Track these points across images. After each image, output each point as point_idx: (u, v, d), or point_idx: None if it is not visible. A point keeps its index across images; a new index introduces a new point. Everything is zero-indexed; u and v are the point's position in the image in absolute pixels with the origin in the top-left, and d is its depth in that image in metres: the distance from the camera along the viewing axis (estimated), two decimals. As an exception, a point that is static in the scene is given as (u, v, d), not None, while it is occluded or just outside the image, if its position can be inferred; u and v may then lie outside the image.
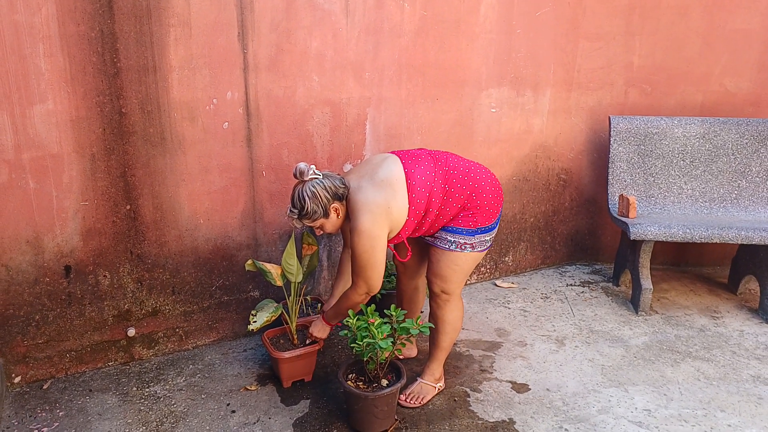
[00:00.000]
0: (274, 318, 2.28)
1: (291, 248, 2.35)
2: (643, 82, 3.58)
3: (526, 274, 3.72)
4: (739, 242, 2.95)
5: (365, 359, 2.06)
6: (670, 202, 3.41)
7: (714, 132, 3.39)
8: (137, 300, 2.56)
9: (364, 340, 2.00)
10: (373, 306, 2.20)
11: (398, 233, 2.16)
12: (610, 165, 3.45)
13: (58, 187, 2.29)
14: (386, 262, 3.07)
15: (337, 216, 2.15)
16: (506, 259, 3.64)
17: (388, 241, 2.19)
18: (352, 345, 2.03)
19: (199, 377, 2.52)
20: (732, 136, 3.38)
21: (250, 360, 2.66)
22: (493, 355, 2.75)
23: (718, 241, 2.98)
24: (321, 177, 2.10)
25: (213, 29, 2.42)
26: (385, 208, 2.06)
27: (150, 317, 2.60)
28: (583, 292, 3.47)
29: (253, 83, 2.55)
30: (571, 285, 3.57)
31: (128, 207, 2.44)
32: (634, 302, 3.24)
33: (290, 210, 2.12)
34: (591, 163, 3.70)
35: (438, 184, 2.13)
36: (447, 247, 2.19)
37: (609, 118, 3.46)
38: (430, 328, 2.20)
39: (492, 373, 2.59)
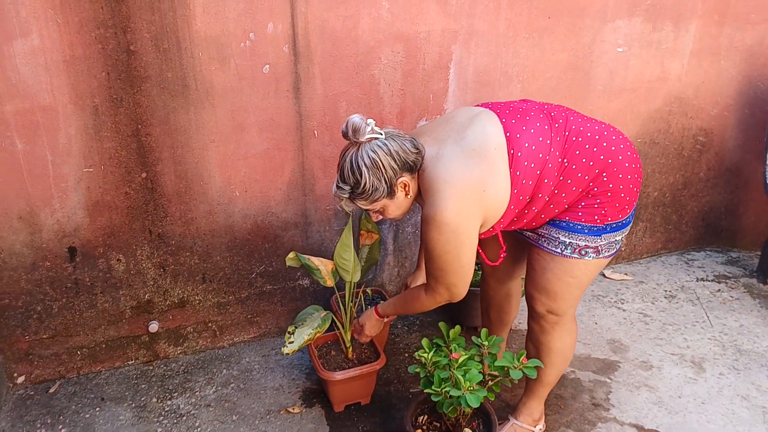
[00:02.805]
0: (319, 334, 1.71)
1: (347, 238, 1.76)
2: (830, 12, 2.62)
3: (642, 261, 2.97)
4: None
5: (441, 409, 1.46)
6: None
7: None
8: (160, 289, 2.07)
9: (444, 388, 1.40)
10: (457, 329, 1.59)
11: (491, 225, 1.51)
12: (773, 126, 2.58)
13: (53, 149, 1.79)
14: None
15: (406, 195, 1.50)
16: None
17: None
18: (427, 391, 1.44)
19: (232, 388, 2.03)
20: None
21: (296, 367, 2.15)
22: (609, 380, 2.09)
23: None
24: (384, 137, 1.44)
25: (249, -65, 1.77)
26: (478, 191, 1.40)
27: (176, 309, 2.12)
28: (719, 290, 2.70)
29: (302, 11, 1.90)
30: (702, 279, 2.79)
31: (144, 175, 1.91)
32: (795, 311, 2.45)
33: (337, 186, 1.47)
34: (740, 122, 2.83)
35: (554, 157, 1.44)
36: (560, 251, 1.52)
37: (779, 61, 2.55)
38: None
39: (609, 410, 1.95)
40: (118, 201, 1.91)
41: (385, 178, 1.43)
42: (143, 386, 2.04)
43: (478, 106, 1.58)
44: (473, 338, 1.60)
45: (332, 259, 1.83)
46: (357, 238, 2.01)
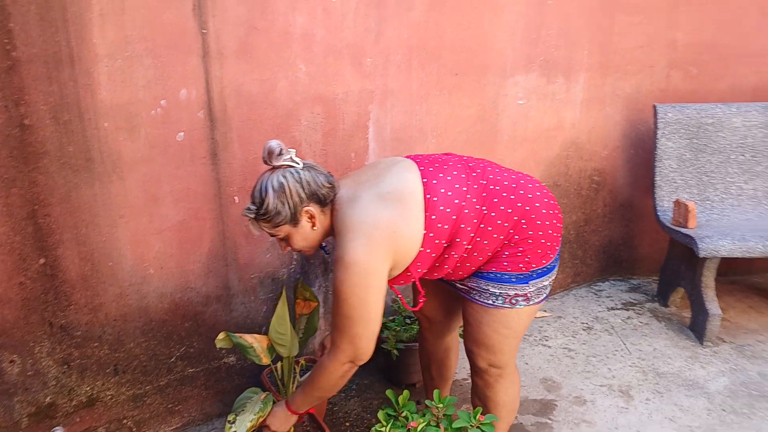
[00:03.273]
0: (262, 419, 1.57)
1: (282, 310, 1.66)
2: (689, 64, 2.99)
3: (556, 296, 3.11)
4: (832, 257, 2.39)
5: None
6: (728, 205, 2.84)
7: (779, 120, 2.82)
8: (64, 388, 1.82)
9: (409, 462, 1.33)
10: (406, 393, 1.53)
11: (407, 270, 1.49)
12: (656, 164, 2.85)
13: (-72, 240, 1.53)
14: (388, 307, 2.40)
15: (312, 225, 1.50)
16: (534, 280, 3.01)
17: (391, 281, 1.52)
18: (389, 469, 1.36)
19: (159, 490, 1.81)
20: (800, 124, 2.81)
21: (230, 454, 1.96)
22: (549, 421, 2.12)
23: (805, 257, 2.41)
24: (300, 166, 1.47)
25: (156, 0, 1.68)
26: (388, 232, 1.40)
27: (84, 409, 1.87)
28: (629, 317, 2.88)
29: (216, 76, 1.83)
30: (612, 309, 2.97)
31: (42, 261, 1.69)
32: (696, 330, 2.66)
33: (248, 206, 1.49)
34: (627, 162, 3.11)
35: (471, 203, 1.47)
36: (491, 302, 1.53)
37: (654, 107, 2.85)
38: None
39: (555, 453, 1.97)
40: (11, 293, 1.66)
41: (289, 204, 1.44)
42: (50, 506, 1.75)
43: (401, 156, 1.61)
44: (426, 402, 1.55)
45: (266, 334, 1.71)
46: (292, 308, 1.91)
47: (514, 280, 1.50)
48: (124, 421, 1.94)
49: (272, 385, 1.89)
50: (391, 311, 2.42)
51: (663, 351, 2.57)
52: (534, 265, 1.50)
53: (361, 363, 1.48)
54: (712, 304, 2.59)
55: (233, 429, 1.51)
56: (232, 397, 2.08)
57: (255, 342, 1.67)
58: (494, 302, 1.53)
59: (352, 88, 2.10)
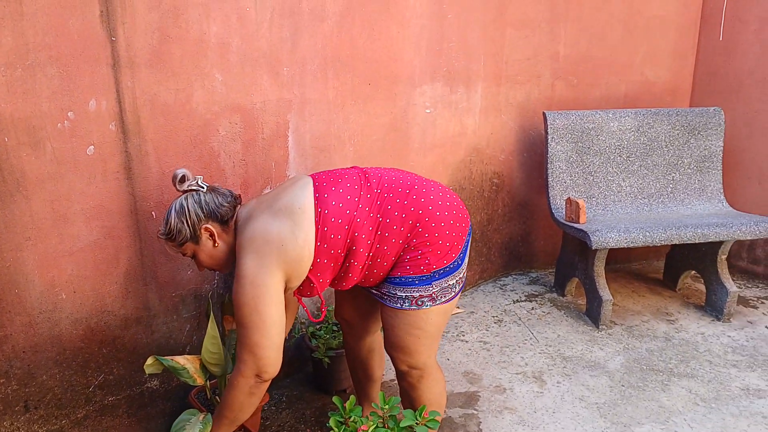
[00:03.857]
0: (206, 439, 1.52)
1: (213, 329, 1.62)
2: (569, 74, 3.31)
3: (467, 293, 3.28)
4: (697, 241, 2.76)
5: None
6: (611, 201, 3.18)
7: (647, 124, 3.21)
8: (-35, 434, 1.63)
9: (364, 463, 1.35)
10: (352, 399, 1.55)
11: (308, 281, 1.55)
12: (549, 165, 3.11)
13: None
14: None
15: (214, 243, 1.60)
16: (446, 280, 3.15)
17: (297, 292, 1.60)
18: (344, 472, 1.37)
19: None
20: (664, 127, 3.22)
21: (160, 484, 1.86)
22: (475, 412, 2.24)
23: (677, 242, 2.77)
24: (204, 190, 1.60)
25: (60, 6, 1.57)
26: (276, 245, 1.47)
27: (-10, 454, 1.68)
28: (533, 308, 3.11)
29: (128, 86, 1.74)
30: (517, 301, 3.19)
31: (-66, 293, 1.50)
32: (591, 315, 2.94)
33: (159, 229, 1.63)
34: (521, 164, 3.36)
35: (363, 212, 1.54)
36: (399, 305, 1.60)
37: (544, 114, 3.12)
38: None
39: (484, 440, 2.08)
40: None
41: (188, 223, 1.56)
42: None
43: (306, 174, 1.71)
44: (373, 404, 1.58)
45: (197, 354, 1.65)
46: (220, 325, 1.85)
47: (417, 282, 1.56)
48: (37, 462, 1.77)
49: (203, 405, 1.83)
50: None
51: (566, 337, 2.81)
52: (435, 266, 1.56)
53: (268, 377, 1.49)
54: (604, 291, 2.87)
55: None
56: (158, 423, 1.99)
57: (187, 363, 1.61)
58: (402, 305, 1.59)
59: (270, 98, 2.09)
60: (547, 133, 3.11)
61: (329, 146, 2.33)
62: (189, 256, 1.63)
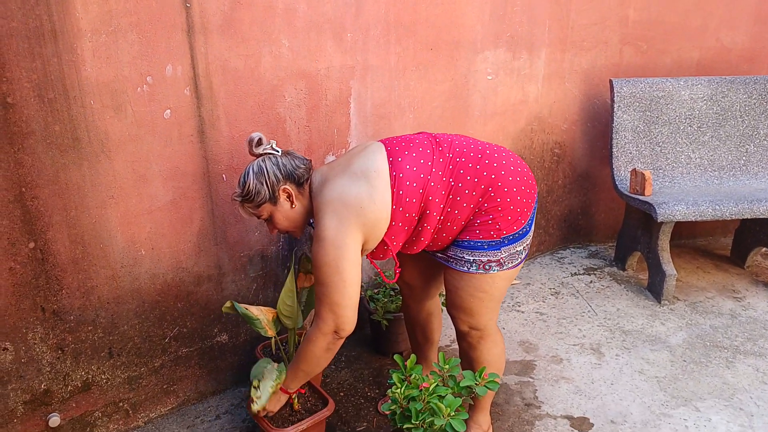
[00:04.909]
0: (280, 385, 1.61)
1: (291, 283, 1.69)
2: (639, 39, 3.17)
3: (523, 265, 3.26)
4: (771, 216, 2.63)
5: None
6: (678, 173, 3.06)
7: (722, 93, 3.05)
8: (59, 374, 1.77)
9: (424, 418, 1.40)
10: (413, 358, 1.60)
11: (383, 244, 1.58)
12: (614, 136, 3.02)
13: None
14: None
15: (291, 204, 1.62)
16: (503, 250, 3.14)
17: (370, 255, 1.62)
18: (407, 426, 1.42)
19: (162, 470, 1.81)
20: (740, 96, 3.05)
21: (228, 429, 1.98)
22: (531, 380, 2.25)
23: (748, 217, 2.65)
24: (279, 153, 1.62)
25: (140, -27, 1.64)
26: (356, 208, 1.50)
27: (80, 394, 1.83)
28: (591, 282, 3.06)
29: (202, 51, 1.80)
30: (575, 274, 3.15)
31: (32, 245, 1.63)
32: (653, 290, 2.87)
33: (235, 191, 1.65)
34: (584, 135, 3.27)
35: (437, 176, 1.55)
36: (466, 269, 1.62)
37: (611, 81, 3.01)
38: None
39: (540, 407, 2.10)
40: (0, 279, 1.61)
41: (267, 184, 1.58)
42: (51, 493, 1.72)
43: (374, 141, 1.70)
44: (433, 364, 1.63)
45: (271, 307, 1.73)
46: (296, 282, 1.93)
47: (486, 246, 1.58)
48: (120, 404, 1.92)
49: (275, 360, 1.92)
50: (375, 284, 2.48)
51: (626, 311, 2.76)
52: (505, 232, 1.58)
53: (345, 334, 1.54)
54: (668, 266, 2.79)
55: (258, 395, 1.56)
56: (226, 376, 2.11)
57: (261, 314, 1.69)
58: (469, 268, 1.62)
59: (333, 64, 2.12)
60: (613, 101, 3.01)
61: (389, 113, 2.34)
62: (264, 218, 1.64)
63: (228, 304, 1.67)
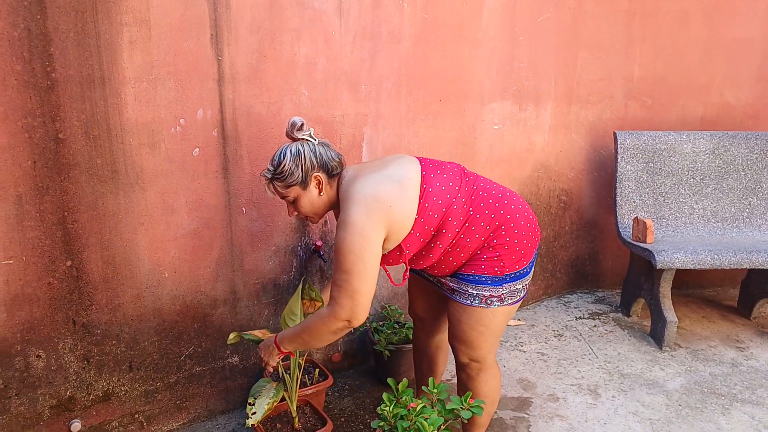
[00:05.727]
0: (276, 403, 1.75)
1: (294, 306, 1.85)
2: (644, 95, 3.33)
3: (529, 307, 3.35)
4: (770, 267, 2.70)
5: (408, 456, 1.57)
6: (682, 223, 3.15)
7: (723, 147, 3.17)
8: (83, 383, 1.95)
9: (410, 435, 1.52)
10: (405, 381, 1.72)
11: (398, 249, 1.69)
12: (617, 185, 3.15)
13: (-32, 242, 1.67)
14: (392, 308, 2.60)
15: (319, 192, 1.71)
16: (509, 292, 3.25)
17: (384, 257, 1.71)
18: (393, 442, 1.54)
19: (170, 479, 1.94)
20: (742, 150, 3.17)
21: (234, 447, 2.11)
22: (526, 416, 2.33)
23: (747, 267, 2.72)
24: (317, 142, 1.71)
25: (179, 30, 1.89)
26: (386, 206, 1.60)
27: (101, 403, 2.00)
28: (595, 326, 3.13)
29: (229, 98, 2.03)
30: (580, 318, 3.22)
31: (69, 263, 1.84)
32: (655, 336, 2.93)
33: (266, 168, 1.71)
34: (591, 183, 3.41)
35: (460, 202, 1.69)
36: (469, 302, 1.74)
37: (614, 134, 3.16)
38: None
39: (532, 441, 2.17)
40: (39, 292, 1.81)
41: (302, 167, 1.66)
42: (68, 494, 1.87)
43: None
44: (423, 387, 1.74)
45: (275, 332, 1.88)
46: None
47: (489, 282, 1.71)
48: (136, 415, 2.07)
49: (275, 380, 2.05)
50: (380, 317, 2.62)
51: (626, 355, 2.82)
52: (508, 270, 1.71)
53: (357, 323, 1.60)
54: (669, 312, 2.86)
55: (253, 411, 1.68)
56: (235, 396, 2.25)
57: (263, 336, 1.84)
58: (471, 302, 1.74)
59: (348, 112, 2.33)
60: (617, 152, 3.15)
61: (400, 157, 2.53)
62: (289, 199, 1.71)
63: (232, 336, 1.82)
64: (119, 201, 1.89)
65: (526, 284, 1.78)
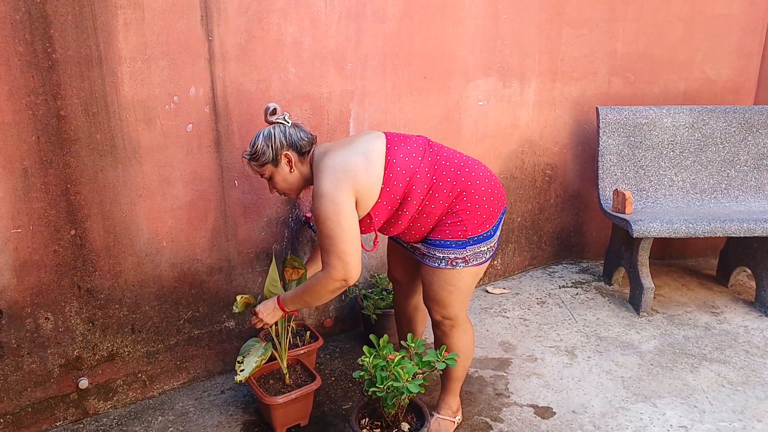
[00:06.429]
0: (264, 361, 1.89)
1: (273, 273, 1.98)
2: (627, 71, 3.42)
3: (515, 277, 3.49)
4: (742, 234, 2.82)
5: (386, 404, 1.72)
6: (661, 195, 3.27)
7: (702, 121, 3.27)
8: (89, 344, 2.10)
9: (386, 383, 1.66)
10: (386, 337, 1.86)
11: (368, 217, 1.83)
12: (599, 158, 3.26)
13: (-21, 212, 1.81)
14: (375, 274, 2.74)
15: (290, 169, 1.87)
16: (495, 262, 3.39)
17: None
18: (371, 390, 1.69)
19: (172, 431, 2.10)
20: (720, 124, 3.27)
21: (231, 404, 2.26)
22: (505, 374, 2.48)
23: (720, 235, 2.84)
24: (289, 124, 1.88)
25: (171, 12, 1.99)
26: (351, 175, 1.75)
27: (106, 363, 2.15)
28: (577, 293, 3.27)
29: (220, 76, 2.15)
30: (563, 287, 3.36)
31: (73, 232, 1.97)
32: (634, 303, 3.07)
33: (246, 150, 1.90)
34: (576, 157, 3.52)
35: (423, 171, 1.82)
36: (437, 264, 1.88)
37: (597, 109, 3.27)
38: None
39: (509, 396, 2.32)
40: (46, 259, 1.95)
41: (272, 147, 1.83)
42: (78, 444, 2.03)
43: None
44: (401, 342, 1.89)
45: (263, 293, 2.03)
46: (282, 275, 2.22)
47: (453, 245, 1.84)
48: (139, 374, 2.23)
49: (266, 340, 2.20)
50: (369, 285, 2.76)
51: (605, 320, 2.97)
52: (470, 233, 1.84)
53: (352, 281, 1.76)
54: (647, 279, 2.99)
55: (242, 368, 1.83)
56: (232, 358, 2.40)
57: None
58: (439, 264, 1.88)
59: (335, 89, 2.44)
60: (599, 126, 3.26)
61: (386, 132, 2.65)
62: (266, 177, 1.90)
63: (240, 301, 1.94)
64: (118, 174, 2.01)
65: (491, 246, 1.91)
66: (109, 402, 2.19)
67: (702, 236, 2.84)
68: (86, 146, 1.94)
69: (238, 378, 1.82)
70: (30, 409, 2.03)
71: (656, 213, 3.06)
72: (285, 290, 2.11)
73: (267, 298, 2.00)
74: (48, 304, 1.98)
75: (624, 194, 3.04)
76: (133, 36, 1.95)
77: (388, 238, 2.19)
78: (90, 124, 1.93)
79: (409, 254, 2.10)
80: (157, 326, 2.22)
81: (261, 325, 1.94)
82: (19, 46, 1.76)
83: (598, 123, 3.26)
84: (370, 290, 2.69)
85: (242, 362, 1.86)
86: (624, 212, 3.05)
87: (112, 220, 2.04)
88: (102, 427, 2.11)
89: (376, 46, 2.52)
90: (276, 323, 2.04)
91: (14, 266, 1.89)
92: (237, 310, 1.97)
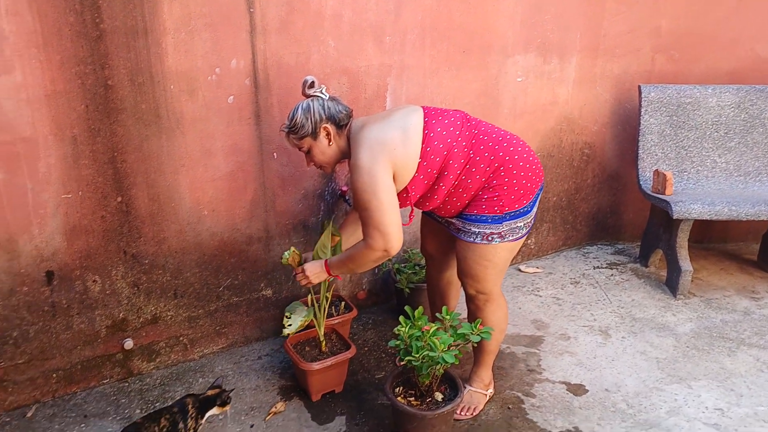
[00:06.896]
0: (307, 322, 1.95)
1: (325, 239, 2.02)
2: (671, 48, 3.32)
3: (548, 257, 3.47)
4: (788, 218, 2.74)
5: (420, 373, 1.75)
6: (703, 176, 3.19)
7: (750, 101, 3.16)
8: (134, 307, 2.18)
9: (422, 353, 1.69)
10: (421, 309, 1.89)
11: (404, 191, 1.84)
12: (640, 138, 3.19)
13: (33, 177, 1.89)
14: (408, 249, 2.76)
15: (328, 142, 1.87)
16: (528, 242, 3.37)
17: None
18: (406, 358, 1.72)
19: (211, 393, 2.17)
20: (769, 104, 3.15)
21: (268, 369, 2.33)
22: (538, 351, 2.48)
23: (765, 219, 2.76)
24: (326, 97, 1.88)
25: (216, -17, 2.02)
26: (389, 149, 1.75)
27: (149, 326, 2.23)
28: (612, 275, 3.24)
29: (261, 49, 2.17)
30: (598, 267, 3.33)
31: (119, 199, 2.04)
32: (670, 285, 3.02)
33: (284, 123, 1.90)
34: (615, 137, 3.44)
35: (461, 145, 1.82)
36: (472, 239, 1.88)
37: (639, 87, 3.19)
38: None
39: (541, 373, 2.33)
40: (94, 225, 2.02)
41: (311, 120, 1.83)
42: (123, 401, 2.12)
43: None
44: (436, 314, 1.91)
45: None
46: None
47: (490, 220, 1.84)
48: (181, 338, 2.31)
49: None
50: (403, 259, 2.78)
51: (640, 302, 2.93)
52: (507, 208, 1.83)
53: (393, 252, 1.78)
54: (685, 262, 2.94)
55: (289, 323, 1.91)
56: (269, 325, 2.46)
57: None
58: (474, 239, 1.88)
59: (373, 63, 2.44)
60: (640, 105, 3.18)
61: (423, 107, 2.64)
62: (304, 150, 1.90)
63: (288, 254, 1.99)
64: (162, 144, 2.07)
65: (528, 222, 1.91)
66: (152, 363, 2.28)
67: (745, 219, 2.77)
68: (132, 115, 1.99)
69: (286, 331, 1.90)
70: (80, 366, 2.13)
71: (697, 194, 2.99)
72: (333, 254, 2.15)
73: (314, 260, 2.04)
74: (96, 267, 2.06)
75: (665, 174, 2.97)
76: (177, 7, 1.98)
77: (422, 213, 2.19)
78: (136, 93, 1.98)
79: (443, 228, 2.10)
80: (198, 292, 2.30)
81: (305, 282, 1.97)
82: (70, 15, 1.81)
83: (640, 101, 3.18)
84: (403, 264, 2.71)
85: (290, 317, 1.93)
86: (664, 193, 2.99)
87: (156, 189, 2.10)
88: (145, 387, 2.20)
89: (416, 20, 2.50)
90: (317, 290, 2.08)
91: (65, 230, 1.97)
92: (285, 262, 2.01)
